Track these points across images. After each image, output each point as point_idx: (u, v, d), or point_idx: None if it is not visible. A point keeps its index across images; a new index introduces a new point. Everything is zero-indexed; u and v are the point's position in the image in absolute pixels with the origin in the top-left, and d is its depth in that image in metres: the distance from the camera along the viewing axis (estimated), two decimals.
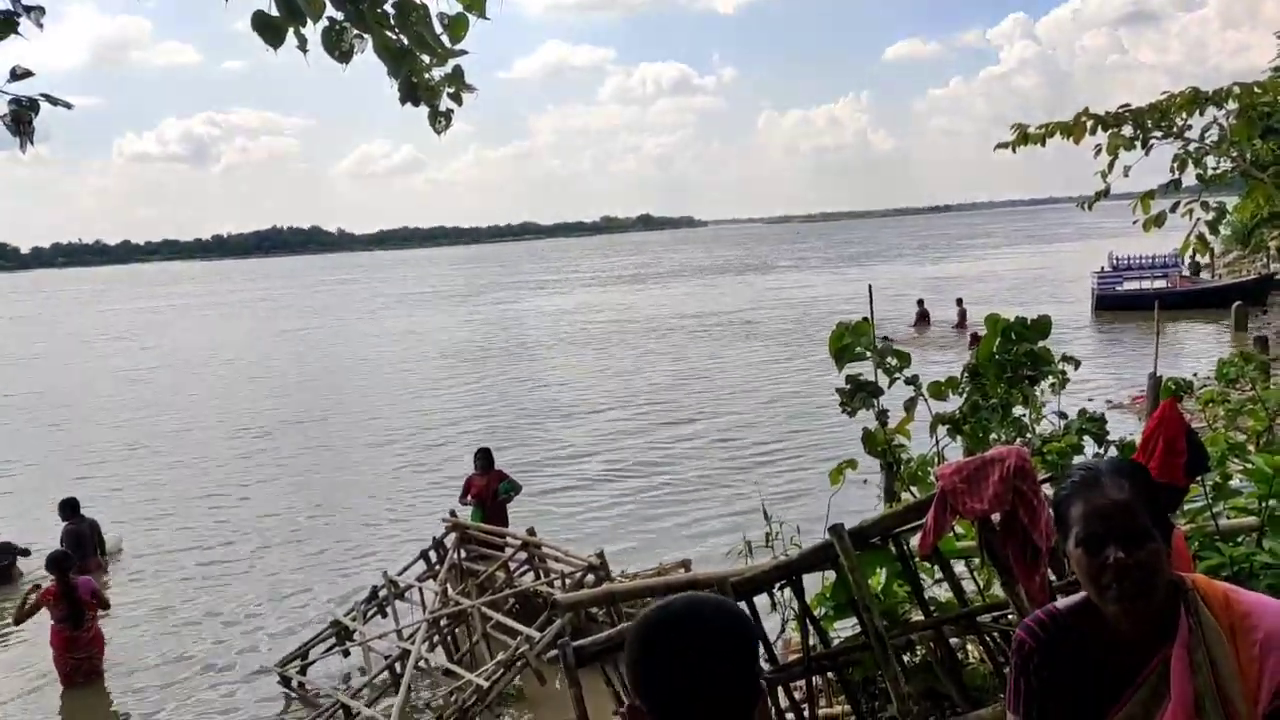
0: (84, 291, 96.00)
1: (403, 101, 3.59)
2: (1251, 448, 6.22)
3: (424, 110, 3.66)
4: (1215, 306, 24.99)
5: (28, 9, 3.86)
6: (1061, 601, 1.94)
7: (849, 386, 6.45)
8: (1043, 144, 8.22)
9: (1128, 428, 8.75)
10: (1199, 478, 4.18)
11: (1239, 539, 4.85)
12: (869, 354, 6.31)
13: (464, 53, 3.53)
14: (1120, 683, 1.81)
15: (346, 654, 7.82)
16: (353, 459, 16.11)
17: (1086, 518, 1.75)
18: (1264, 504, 4.80)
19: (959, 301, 27.86)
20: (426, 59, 3.53)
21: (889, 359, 6.31)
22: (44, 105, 3.90)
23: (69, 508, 10.73)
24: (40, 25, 4.00)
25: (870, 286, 8.18)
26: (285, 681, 7.52)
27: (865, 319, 6.53)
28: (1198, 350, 20.89)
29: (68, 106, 4.17)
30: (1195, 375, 13.33)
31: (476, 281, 74.07)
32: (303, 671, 7.58)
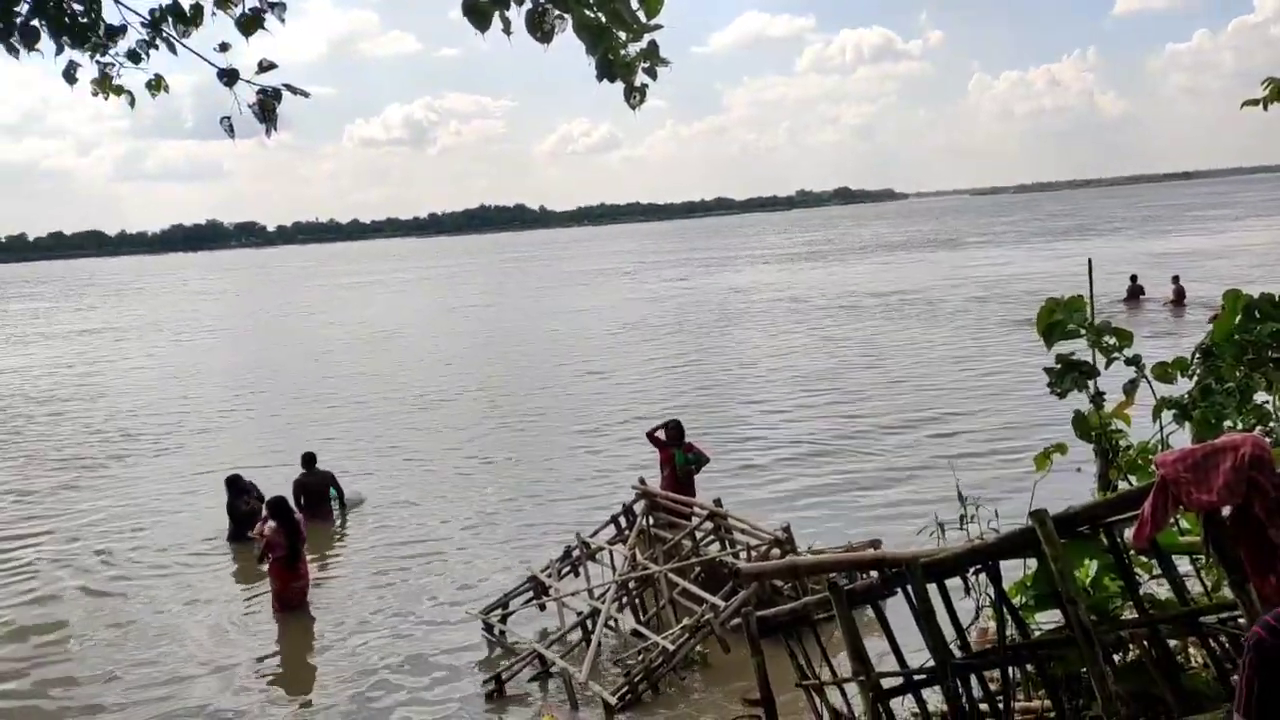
0: (314, 266, 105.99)
1: (600, 78, 3.71)
2: None
3: (620, 87, 3.77)
4: None
5: (272, 5, 4.31)
6: None
7: (1059, 366, 6.04)
8: None
9: None
10: None
11: None
12: (1083, 332, 5.87)
13: (659, 27, 3.60)
14: None
15: (542, 608, 8.29)
16: (550, 427, 16.91)
17: None
18: None
19: (1175, 279, 25.60)
20: (623, 35, 3.63)
21: (1106, 337, 5.85)
22: (285, 95, 4.36)
23: (307, 461, 12.02)
24: (282, 20, 4.46)
25: (1090, 260, 7.60)
26: (488, 628, 8.08)
27: (1078, 295, 6.08)
28: None
29: (305, 95, 4.62)
30: None
31: (663, 257, 75.06)
32: (503, 620, 8.11)
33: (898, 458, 12.97)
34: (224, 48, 4.33)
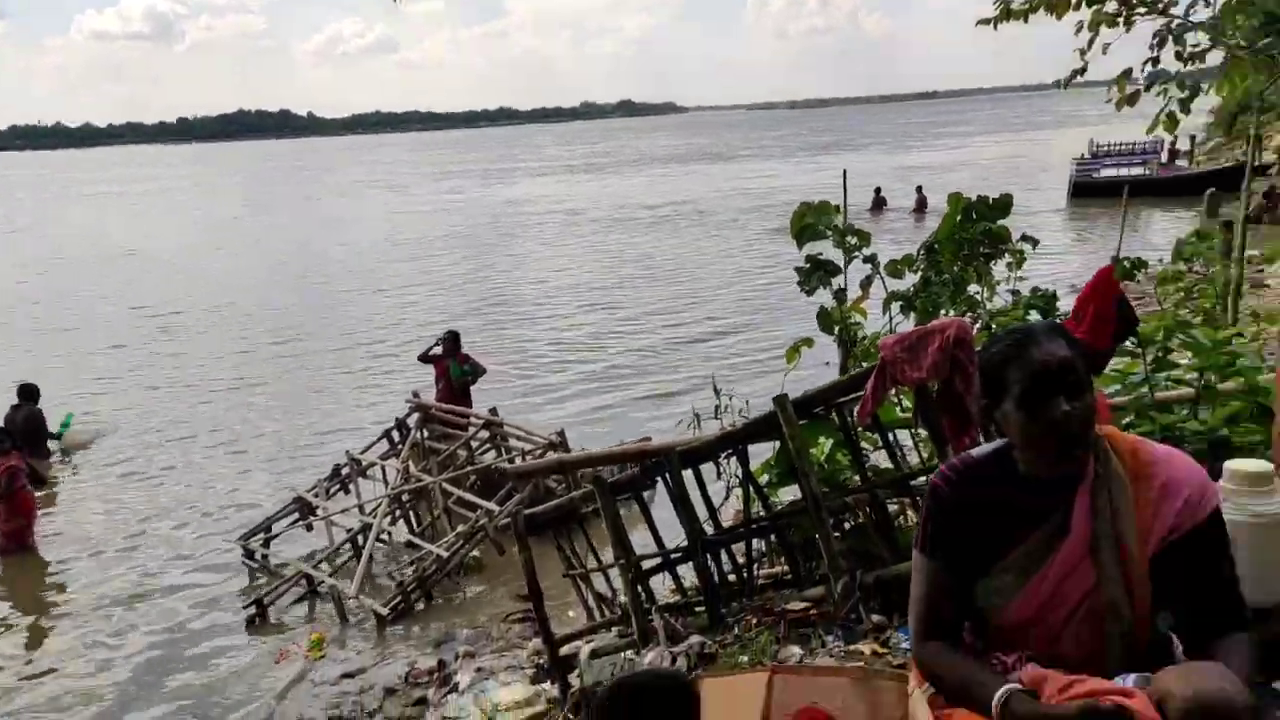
0: (46, 176, 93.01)
1: None
2: (1196, 325, 6.31)
3: None
4: (1191, 193, 24.99)
5: None
6: (975, 450, 2.01)
7: (808, 265, 6.45)
8: (1025, 20, 7.96)
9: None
10: (1132, 345, 4.24)
11: (1173, 409, 4.98)
12: (830, 233, 6.28)
13: None
14: (1027, 522, 1.89)
15: (309, 529, 7.97)
16: (315, 347, 16.04)
17: (1032, 375, 1.80)
18: (1201, 376, 4.90)
19: (919, 189, 28.19)
20: None
21: (849, 238, 6.28)
22: None
23: (22, 393, 10.65)
24: None
25: (845, 171, 8.09)
26: (249, 555, 7.67)
27: (827, 201, 6.47)
28: (1167, 235, 20.99)
29: None
30: (1161, 261, 13.44)
31: (441, 168, 72.47)
32: (265, 545, 7.73)
33: (674, 364, 13.46)
34: None
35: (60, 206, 53.01)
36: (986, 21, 7.94)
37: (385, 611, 6.38)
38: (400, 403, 9.56)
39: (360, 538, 7.33)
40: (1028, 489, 1.88)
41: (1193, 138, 33.02)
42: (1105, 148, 31.33)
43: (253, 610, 6.73)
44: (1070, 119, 75.29)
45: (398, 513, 7.83)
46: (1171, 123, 8.95)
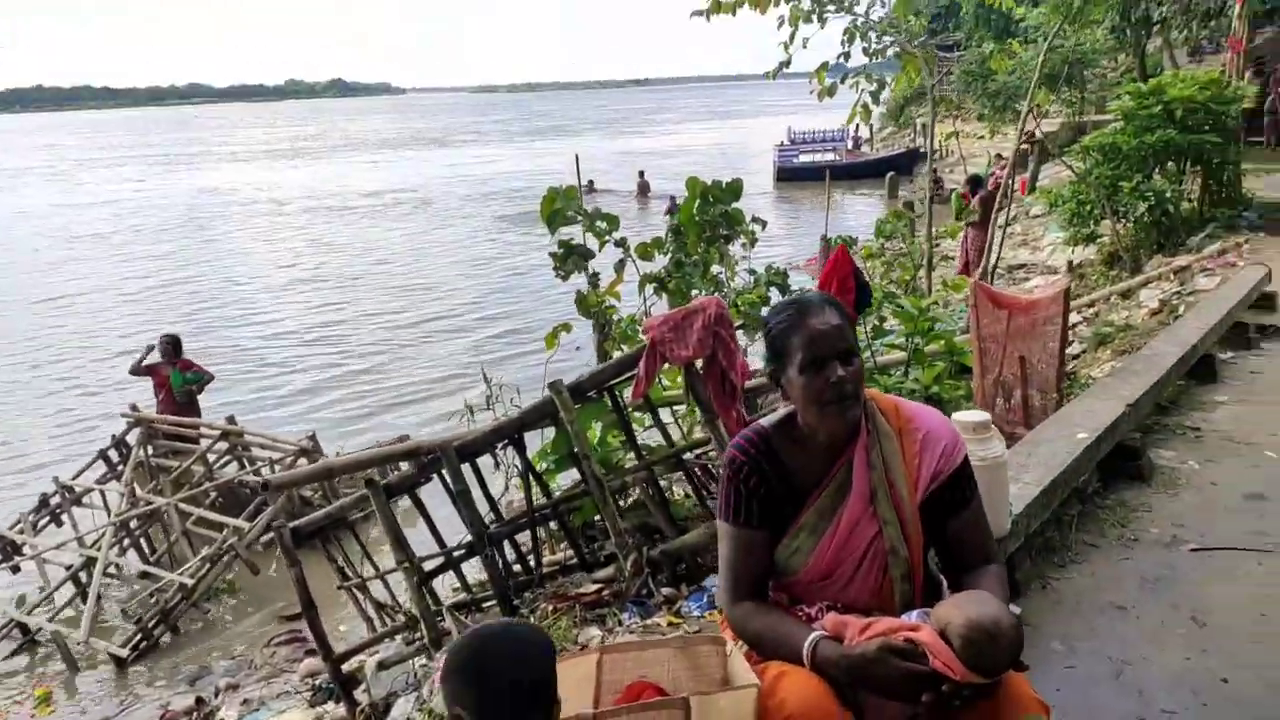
0: None
1: None
2: (901, 295, 7.22)
3: None
4: (873, 177, 28.21)
5: None
6: (765, 419, 2.16)
7: (561, 250, 6.54)
8: (733, 14, 8.58)
9: (803, 285, 9.76)
10: (862, 313, 4.77)
11: (891, 371, 5.68)
12: (579, 218, 6.41)
13: None
14: (814, 482, 2.07)
15: (16, 570, 6.91)
16: (7, 354, 13.80)
17: (810, 343, 1.96)
18: (910, 341, 5.64)
19: (641, 174, 29.73)
20: None
21: (599, 223, 6.45)
22: None
23: None
24: None
25: (576, 156, 8.25)
26: None
27: (573, 186, 6.59)
28: (860, 214, 23.57)
29: None
30: (857, 239, 15.09)
31: (119, 153, 64.57)
32: None
33: (414, 358, 13.09)
34: None
35: None
36: (700, 13, 8.51)
37: (124, 653, 5.71)
38: (106, 424, 8.50)
39: (83, 574, 6.47)
40: (814, 452, 2.07)
41: (871, 126, 37.29)
42: (802, 135, 34.52)
43: None
44: (768, 108, 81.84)
45: (126, 541, 6.99)
46: (866, 113, 10.07)
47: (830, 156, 31.72)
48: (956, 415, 3.27)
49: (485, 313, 15.42)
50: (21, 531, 7.05)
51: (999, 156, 16.82)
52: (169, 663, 5.89)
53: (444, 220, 26.94)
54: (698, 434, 5.19)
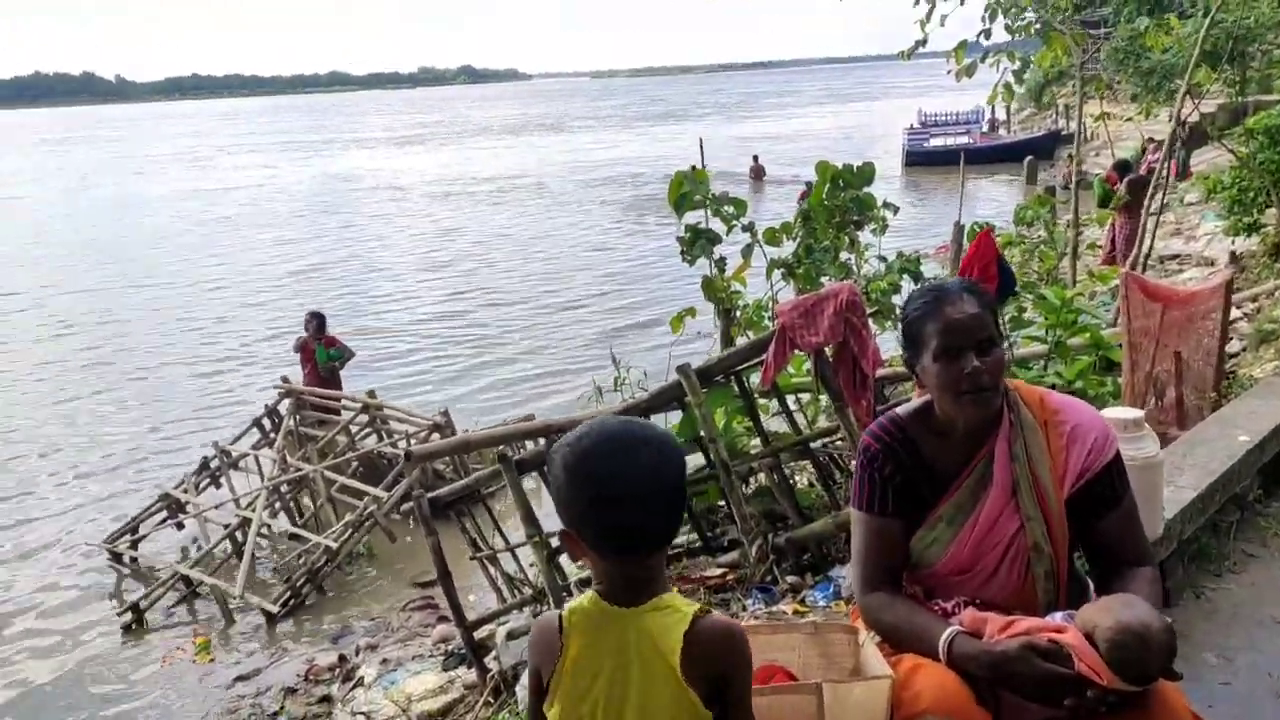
0: None
1: None
2: (1042, 285, 6.92)
3: None
4: (1010, 161, 26.95)
5: None
6: (901, 408, 2.13)
7: (689, 234, 6.56)
8: None
9: (935, 273, 9.45)
10: (1007, 299, 4.61)
11: (1030, 364, 5.46)
12: (707, 202, 6.41)
13: None
14: (953, 473, 2.03)
15: (180, 527, 7.52)
16: (168, 332, 14.96)
17: (945, 331, 1.92)
18: (1052, 333, 5.39)
19: (755, 158, 29.70)
20: None
21: (726, 207, 6.43)
22: None
23: None
24: None
25: (700, 140, 8.24)
26: (116, 558, 7.17)
27: (702, 169, 6.58)
28: (995, 201, 22.59)
29: None
30: (993, 223, 14.46)
31: (259, 139, 68.19)
32: (134, 547, 7.25)
33: (542, 341, 13.36)
34: None
35: None
36: None
37: (275, 609, 6.14)
38: (257, 393, 9.09)
39: (239, 533, 6.99)
40: (952, 442, 2.02)
41: (1008, 107, 35.65)
42: (933, 117, 33.30)
43: (129, 617, 6.32)
44: (894, 90, 79.26)
45: (277, 504, 7.50)
46: (1009, 93, 9.62)
47: (964, 139, 30.50)
48: (1107, 411, 3.13)
49: (610, 297, 15.63)
50: (185, 491, 7.66)
51: (1150, 140, 15.76)
52: (313, 621, 6.29)
53: (562, 205, 27.37)
54: (823, 422, 5.14)
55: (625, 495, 1.37)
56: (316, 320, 9.75)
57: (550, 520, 4.90)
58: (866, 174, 6.63)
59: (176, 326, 15.53)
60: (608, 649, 1.46)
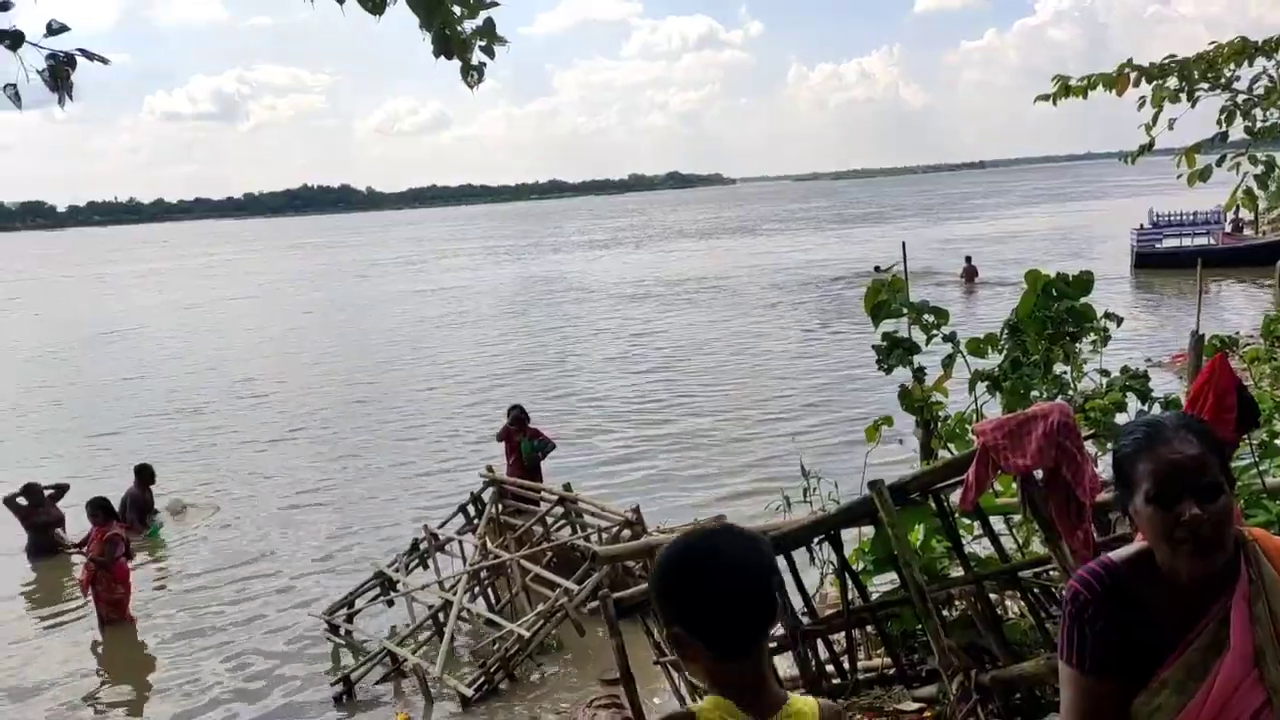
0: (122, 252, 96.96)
1: (436, 55, 3.60)
2: None
3: (450, 66, 3.66)
4: (1259, 264, 24.43)
5: None
6: (1115, 553, 1.95)
7: (885, 343, 6.43)
8: (1084, 96, 8.03)
9: (1169, 387, 8.66)
10: (1248, 434, 4.15)
11: None
12: (905, 310, 6.27)
13: (495, 4, 3.53)
14: (1177, 633, 1.81)
15: (390, 604, 8.04)
16: (391, 417, 16.33)
17: (1159, 473, 1.75)
18: None
19: (968, 259, 28.50)
20: (458, 10, 3.53)
21: (926, 315, 6.27)
22: (80, 61, 3.95)
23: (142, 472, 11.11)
24: None
25: (904, 244, 8.11)
26: (333, 629, 7.75)
27: (899, 277, 6.47)
28: (1239, 308, 20.53)
29: (104, 61, 4.18)
30: (1239, 334, 13.10)
31: (459, 244, 73.34)
32: (349, 620, 7.81)
33: (731, 444, 13.31)
34: (5, 7, 3.88)
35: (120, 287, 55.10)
36: (1046, 97, 8.02)
37: (470, 692, 6.37)
38: (474, 477, 9.67)
39: (441, 615, 7.36)
40: (1177, 595, 1.81)
41: (1256, 205, 32.48)
42: (1166, 217, 30.93)
43: (340, 688, 6.78)
44: (1118, 188, 74.60)
45: (476, 589, 7.86)
46: (1250, 199, 8.84)
47: (1203, 240, 28.08)
48: None
49: (799, 402, 15.43)
50: (396, 570, 8.21)
51: None
52: (504, 706, 6.47)
53: (748, 308, 27.38)
54: (1036, 546, 4.78)
55: (722, 582, 1.47)
56: (518, 412, 10.32)
57: None
58: (1084, 283, 6.26)
59: (400, 412, 16.90)
60: None
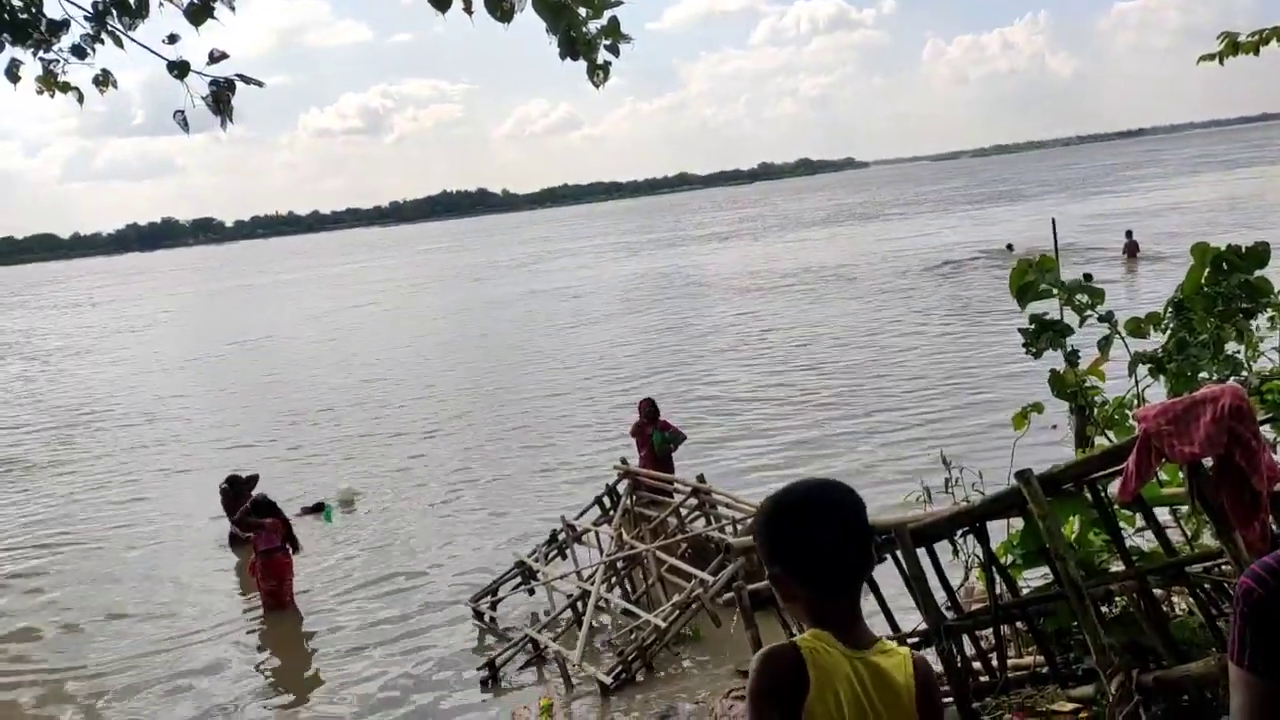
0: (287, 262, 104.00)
1: (562, 56, 3.65)
2: None
3: (579, 66, 3.71)
4: None
5: None
6: None
7: (1033, 326, 6.09)
8: (1255, 53, 7.32)
9: None
10: None
11: None
12: (1055, 291, 5.93)
13: (620, 3, 3.55)
14: None
15: (531, 593, 8.29)
16: (529, 408, 16.84)
17: None
18: None
19: (1128, 233, 26.79)
20: (583, 12, 3.57)
21: (1079, 295, 5.90)
22: (239, 85, 4.25)
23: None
24: (233, 9, 4.34)
25: (1054, 220, 7.67)
26: (478, 616, 8.06)
27: (1049, 255, 6.12)
28: None
29: (260, 85, 4.48)
30: None
31: (576, 243, 73.78)
32: (493, 607, 8.10)
33: (864, 432, 13.00)
34: (172, 39, 4.21)
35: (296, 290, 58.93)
36: (1211, 57, 7.33)
37: (609, 680, 6.48)
38: (607, 468, 9.83)
39: (580, 604, 7.53)
40: None
41: None
42: None
43: (486, 672, 7.05)
44: None
45: (613, 579, 7.99)
46: None
47: None
48: None
49: (937, 388, 14.85)
50: (537, 560, 8.45)
51: None
52: (642, 696, 6.54)
53: (872, 295, 26.47)
54: (1206, 539, 4.41)
55: (822, 521, 1.60)
56: (650, 406, 10.40)
57: (873, 624, 4.69)
58: (1259, 255, 5.74)
59: (526, 416, 17.22)
60: (850, 687, 1.59)
